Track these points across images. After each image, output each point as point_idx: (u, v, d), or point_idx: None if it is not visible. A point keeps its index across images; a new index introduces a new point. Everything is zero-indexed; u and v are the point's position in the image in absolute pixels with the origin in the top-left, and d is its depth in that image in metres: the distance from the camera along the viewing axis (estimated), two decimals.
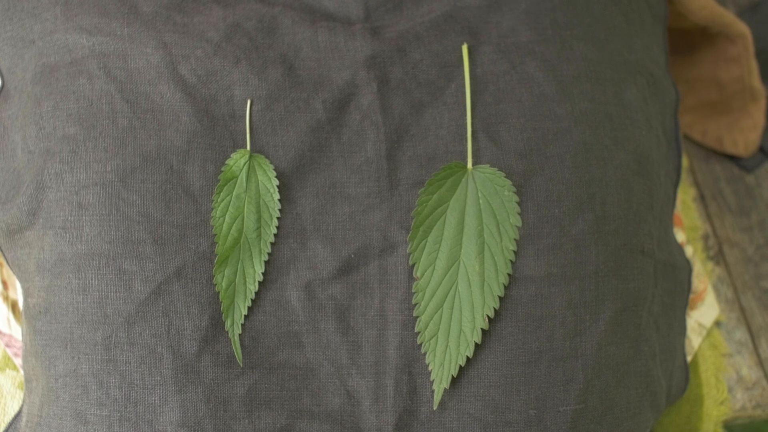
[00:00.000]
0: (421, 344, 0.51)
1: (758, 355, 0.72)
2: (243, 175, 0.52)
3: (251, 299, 0.51)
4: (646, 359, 0.56)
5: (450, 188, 0.52)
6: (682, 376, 0.63)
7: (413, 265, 0.52)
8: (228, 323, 0.51)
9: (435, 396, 0.51)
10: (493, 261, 0.51)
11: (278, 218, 0.52)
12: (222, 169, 0.52)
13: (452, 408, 0.51)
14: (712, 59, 0.77)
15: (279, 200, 0.52)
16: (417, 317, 0.51)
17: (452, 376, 0.51)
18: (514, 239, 0.52)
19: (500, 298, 0.51)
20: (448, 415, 0.51)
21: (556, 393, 0.52)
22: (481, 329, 0.51)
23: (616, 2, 0.60)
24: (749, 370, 0.71)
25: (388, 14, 0.58)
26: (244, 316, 0.51)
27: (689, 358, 0.69)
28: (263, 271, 0.51)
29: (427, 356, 0.51)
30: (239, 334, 0.51)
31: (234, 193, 0.52)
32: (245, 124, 0.53)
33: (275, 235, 0.52)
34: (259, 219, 0.52)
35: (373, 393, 0.51)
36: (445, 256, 0.52)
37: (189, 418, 0.50)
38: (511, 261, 0.52)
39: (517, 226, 0.52)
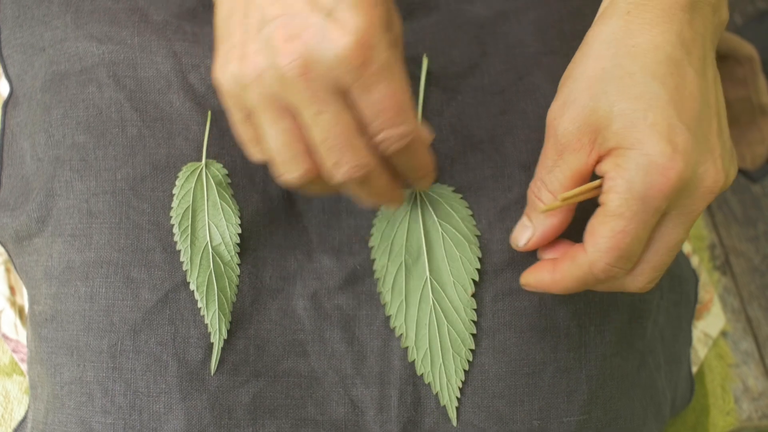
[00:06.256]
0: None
1: (765, 366, 0.72)
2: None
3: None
4: (651, 370, 0.56)
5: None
6: (687, 387, 0.63)
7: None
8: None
9: (450, 413, 0.51)
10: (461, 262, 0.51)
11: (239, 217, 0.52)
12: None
13: (456, 418, 0.51)
14: None
15: (232, 195, 0.52)
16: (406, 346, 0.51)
17: (457, 396, 0.51)
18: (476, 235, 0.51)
19: (478, 270, 0.50)
20: (451, 426, 0.51)
21: (560, 404, 0.52)
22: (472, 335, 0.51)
23: None
24: (756, 381, 0.71)
25: None
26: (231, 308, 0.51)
27: (695, 369, 0.69)
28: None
29: (425, 377, 0.51)
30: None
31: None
32: None
33: (239, 234, 0.51)
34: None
35: (377, 403, 0.52)
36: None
37: (193, 426, 0.50)
38: (478, 258, 0.51)
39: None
